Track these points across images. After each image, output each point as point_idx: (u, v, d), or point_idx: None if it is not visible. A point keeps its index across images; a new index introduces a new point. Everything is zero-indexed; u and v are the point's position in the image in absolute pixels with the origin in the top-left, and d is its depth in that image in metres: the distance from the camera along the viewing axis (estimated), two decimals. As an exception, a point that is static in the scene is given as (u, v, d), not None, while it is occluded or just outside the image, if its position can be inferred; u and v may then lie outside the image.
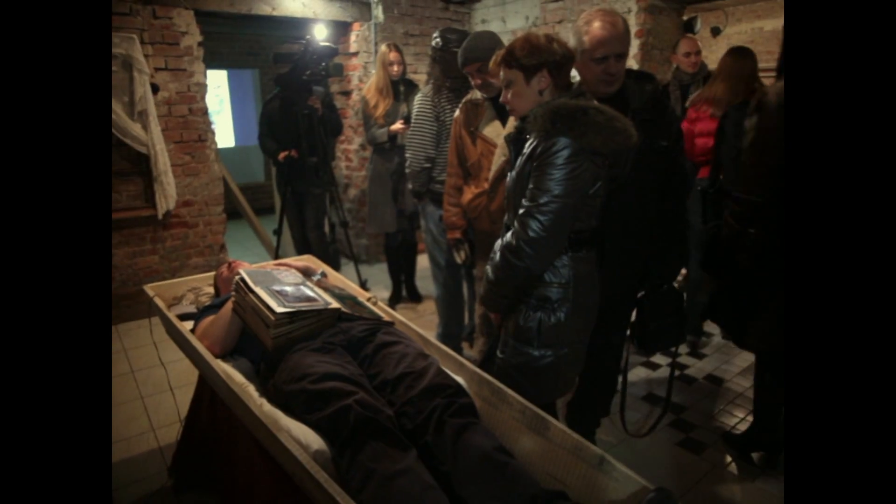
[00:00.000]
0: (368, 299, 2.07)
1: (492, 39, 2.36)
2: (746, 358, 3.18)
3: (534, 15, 4.71)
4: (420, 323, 3.52)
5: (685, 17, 4.23)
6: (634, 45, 3.93)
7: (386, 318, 1.90)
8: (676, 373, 2.98)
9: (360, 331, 1.65)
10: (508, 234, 1.57)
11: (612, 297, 1.84)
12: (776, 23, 7.31)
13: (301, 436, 1.34)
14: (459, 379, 1.59)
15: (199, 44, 3.71)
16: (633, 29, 3.93)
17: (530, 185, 1.50)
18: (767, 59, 8.02)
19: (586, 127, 1.41)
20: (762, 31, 7.73)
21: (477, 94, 2.45)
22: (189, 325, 1.87)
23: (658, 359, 3.17)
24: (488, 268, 1.65)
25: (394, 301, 3.99)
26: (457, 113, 2.55)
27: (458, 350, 3.03)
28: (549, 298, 1.58)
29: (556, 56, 1.51)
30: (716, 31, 7.84)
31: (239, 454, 1.65)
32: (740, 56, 2.98)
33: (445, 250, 2.84)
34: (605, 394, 2.20)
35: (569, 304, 1.58)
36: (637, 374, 3.01)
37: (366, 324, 1.70)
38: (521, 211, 1.53)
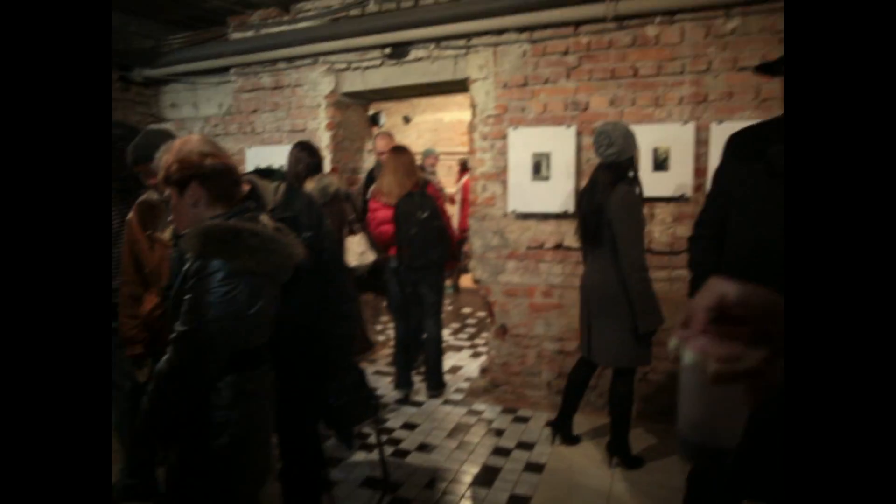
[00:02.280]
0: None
1: (163, 137, 2.23)
2: (453, 420, 3.49)
3: (227, 103, 4.66)
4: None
5: (370, 112, 4.68)
6: (326, 137, 4.17)
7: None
8: (391, 449, 3.10)
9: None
10: (162, 359, 1.46)
11: (294, 397, 1.84)
12: (453, 115, 8.64)
13: None
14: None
15: None
16: (324, 122, 4.18)
17: (184, 308, 1.43)
18: (448, 144, 9.28)
19: (239, 250, 1.41)
20: (443, 121, 9.05)
21: (153, 195, 2.27)
22: None
23: (374, 438, 3.24)
24: (144, 397, 1.50)
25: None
26: (130, 214, 2.32)
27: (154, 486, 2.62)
28: (211, 423, 1.50)
29: (206, 169, 1.50)
30: (406, 120, 8.89)
31: None
32: (399, 153, 3.52)
33: (126, 369, 2.48)
34: (312, 496, 2.14)
35: (234, 426, 1.52)
36: (355, 458, 3.03)
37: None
38: (173, 335, 1.44)
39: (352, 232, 3.32)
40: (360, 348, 3.13)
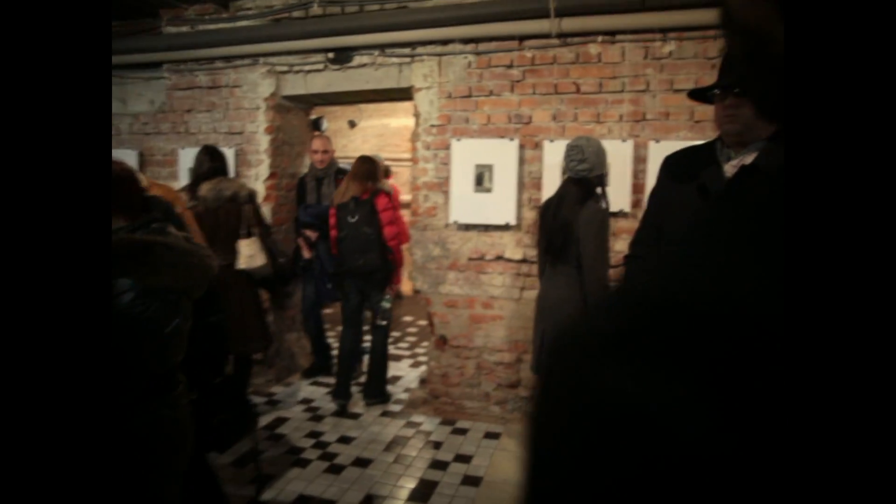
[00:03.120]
0: None
1: None
2: (390, 433, 3.42)
3: (160, 100, 4.43)
4: None
5: (312, 117, 4.57)
6: (265, 141, 4.03)
7: None
8: (326, 464, 3.00)
9: None
10: None
11: None
12: (400, 121, 8.58)
13: None
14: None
15: None
16: (263, 125, 4.04)
17: None
18: (394, 150, 9.21)
19: (152, 266, 1.31)
20: (389, 127, 8.97)
21: None
22: None
23: (308, 453, 3.14)
24: None
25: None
26: None
27: None
28: (126, 453, 1.39)
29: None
30: (352, 124, 8.77)
31: None
32: (360, 161, 3.52)
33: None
34: None
35: (152, 454, 1.41)
36: (289, 474, 2.91)
37: None
38: None
39: (248, 234, 3.29)
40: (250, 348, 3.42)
